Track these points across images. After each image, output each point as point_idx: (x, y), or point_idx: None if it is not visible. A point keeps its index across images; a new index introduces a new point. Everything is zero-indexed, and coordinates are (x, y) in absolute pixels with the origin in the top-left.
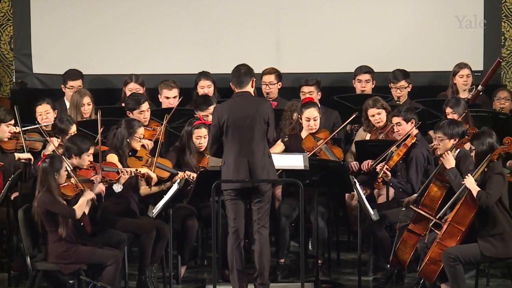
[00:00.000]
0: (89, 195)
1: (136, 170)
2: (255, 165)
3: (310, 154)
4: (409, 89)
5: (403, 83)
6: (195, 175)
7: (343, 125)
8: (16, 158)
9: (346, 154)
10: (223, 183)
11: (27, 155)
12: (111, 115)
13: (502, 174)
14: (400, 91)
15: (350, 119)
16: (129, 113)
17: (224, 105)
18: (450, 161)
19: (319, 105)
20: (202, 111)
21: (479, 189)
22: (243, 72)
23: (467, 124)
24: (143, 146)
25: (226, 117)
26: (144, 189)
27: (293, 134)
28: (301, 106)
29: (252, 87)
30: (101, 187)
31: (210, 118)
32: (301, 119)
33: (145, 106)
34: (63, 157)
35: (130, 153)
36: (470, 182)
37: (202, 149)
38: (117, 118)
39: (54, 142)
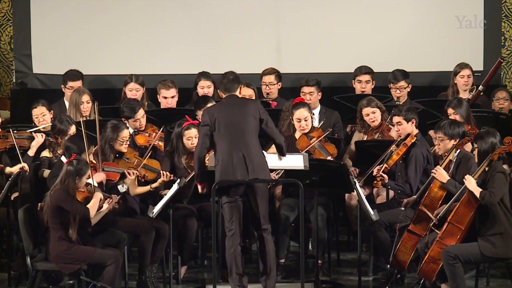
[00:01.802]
0: (98, 195)
1: (136, 172)
2: (252, 159)
3: (303, 152)
4: (408, 89)
5: (402, 83)
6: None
7: (329, 131)
8: (8, 172)
9: (344, 155)
10: (221, 184)
11: (17, 167)
12: (111, 115)
13: (504, 173)
14: (400, 91)
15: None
16: (124, 120)
17: (213, 107)
18: (443, 175)
19: (320, 106)
20: (201, 110)
21: (481, 189)
22: (231, 79)
23: (469, 124)
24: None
25: (216, 116)
26: (132, 189)
27: (287, 136)
28: (292, 107)
29: (239, 93)
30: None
31: None
32: (292, 120)
33: (140, 113)
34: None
35: (117, 155)
36: (471, 184)
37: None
38: (117, 118)
39: (39, 137)
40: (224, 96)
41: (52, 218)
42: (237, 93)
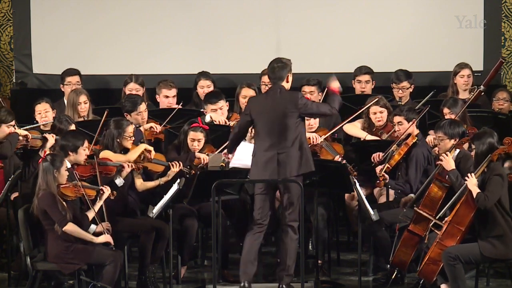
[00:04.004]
0: (99, 240)
1: (133, 163)
2: (285, 157)
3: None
4: (410, 90)
5: (405, 83)
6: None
7: (343, 123)
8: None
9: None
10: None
11: (24, 132)
12: (111, 115)
13: (501, 175)
14: (402, 91)
15: (353, 117)
16: (126, 115)
17: (257, 97)
18: (450, 163)
19: None
20: (212, 104)
21: (478, 190)
22: (277, 67)
23: (465, 124)
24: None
25: (257, 108)
26: (140, 185)
27: None
28: None
29: (287, 81)
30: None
31: (219, 112)
32: None
33: (143, 107)
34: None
35: (122, 152)
36: (472, 183)
37: (196, 151)
38: (116, 118)
39: (51, 138)
40: (271, 84)
41: (44, 220)
42: (284, 82)
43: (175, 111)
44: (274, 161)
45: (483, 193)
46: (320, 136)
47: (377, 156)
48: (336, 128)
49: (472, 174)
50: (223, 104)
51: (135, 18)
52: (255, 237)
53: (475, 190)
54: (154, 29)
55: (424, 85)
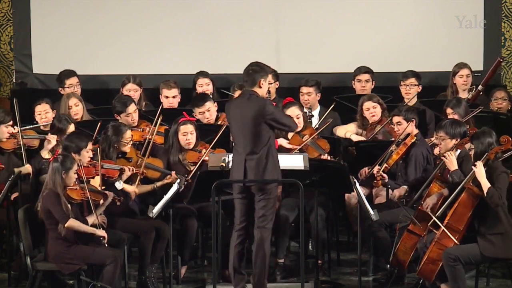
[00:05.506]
0: (97, 232)
1: (133, 168)
2: (251, 163)
3: (296, 150)
4: (418, 90)
5: (412, 80)
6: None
7: (326, 124)
8: (16, 172)
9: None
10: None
11: (27, 170)
12: (110, 115)
13: (507, 173)
14: (409, 88)
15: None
16: (117, 116)
17: (230, 102)
18: (453, 162)
19: (319, 106)
20: (198, 107)
21: (490, 185)
22: (251, 70)
23: (467, 124)
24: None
25: (229, 114)
26: (137, 187)
27: (281, 135)
28: (282, 106)
29: (260, 87)
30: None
31: (206, 114)
32: None
33: (132, 108)
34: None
35: (120, 155)
36: (480, 174)
37: (190, 146)
38: (113, 118)
39: (53, 140)
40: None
41: (47, 219)
42: (256, 87)
43: (159, 111)
44: (242, 166)
45: (495, 190)
46: (306, 135)
47: (364, 172)
48: (322, 129)
49: (479, 162)
50: (210, 106)
51: (135, 18)
52: (239, 247)
53: (485, 185)
54: (154, 29)
55: (424, 85)
